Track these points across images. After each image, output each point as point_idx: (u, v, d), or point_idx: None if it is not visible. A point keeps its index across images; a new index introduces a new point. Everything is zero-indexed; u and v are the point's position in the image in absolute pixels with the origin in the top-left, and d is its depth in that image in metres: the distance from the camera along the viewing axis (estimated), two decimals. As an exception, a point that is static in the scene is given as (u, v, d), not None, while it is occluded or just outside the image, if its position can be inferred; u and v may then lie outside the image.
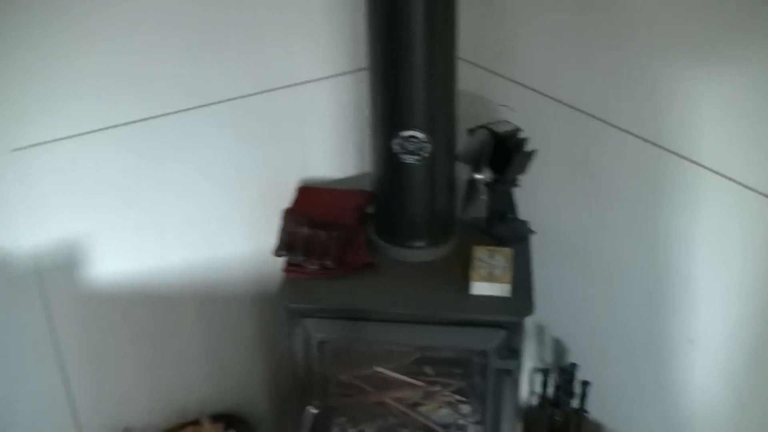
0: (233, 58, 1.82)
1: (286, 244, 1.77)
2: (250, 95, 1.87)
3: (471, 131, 1.82)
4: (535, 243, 1.88)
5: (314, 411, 1.67)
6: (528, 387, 2.12)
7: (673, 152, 1.53)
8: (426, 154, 1.68)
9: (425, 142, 1.67)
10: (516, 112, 1.86)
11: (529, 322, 2.05)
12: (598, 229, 1.79)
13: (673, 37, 1.48)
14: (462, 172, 1.82)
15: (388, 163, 1.72)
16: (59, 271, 1.77)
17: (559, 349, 2.00)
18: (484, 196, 1.83)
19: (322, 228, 1.82)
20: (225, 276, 2.02)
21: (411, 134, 1.67)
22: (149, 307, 1.93)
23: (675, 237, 1.60)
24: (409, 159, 1.69)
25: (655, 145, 1.57)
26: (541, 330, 2.05)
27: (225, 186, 1.93)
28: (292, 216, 1.87)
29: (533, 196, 1.91)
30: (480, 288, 1.66)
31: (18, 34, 1.54)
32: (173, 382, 2.07)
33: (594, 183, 1.77)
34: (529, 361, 2.11)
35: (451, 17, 1.64)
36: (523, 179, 1.83)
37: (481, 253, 1.75)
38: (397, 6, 1.57)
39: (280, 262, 1.76)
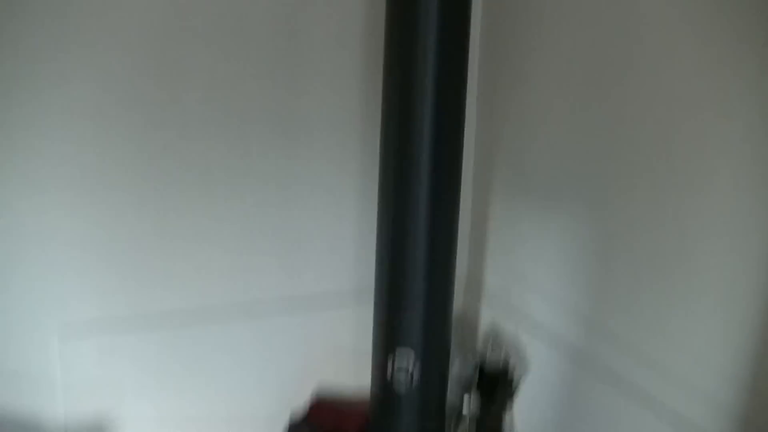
0: (272, 264, 2.05)
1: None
2: (283, 298, 2.08)
3: (465, 357, 1.97)
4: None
5: None
6: None
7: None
8: (416, 377, 1.83)
9: (413, 363, 1.82)
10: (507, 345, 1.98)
11: None
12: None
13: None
14: (454, 397, 1.95)
15: (380, 381, 1.88)
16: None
17: None
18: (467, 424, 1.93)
19: (319, 438, 1.97)
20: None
21: (401, 354, 1.83)
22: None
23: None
24: (399, 378, 1.84)
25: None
26: None
27: (246, 386, 2.10)
28: (297, 427, 2.04)
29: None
30: None
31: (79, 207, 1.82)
32: None
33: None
34: None
35: (451, 247, 1.80)
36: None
37: (454, 477, 1.83)
38: (395, 229, 1.76)
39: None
